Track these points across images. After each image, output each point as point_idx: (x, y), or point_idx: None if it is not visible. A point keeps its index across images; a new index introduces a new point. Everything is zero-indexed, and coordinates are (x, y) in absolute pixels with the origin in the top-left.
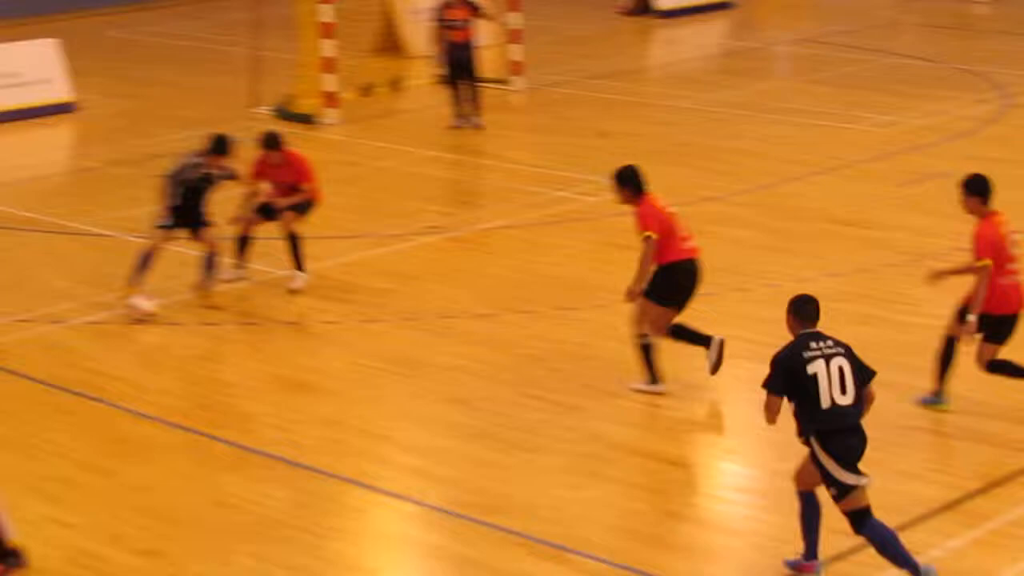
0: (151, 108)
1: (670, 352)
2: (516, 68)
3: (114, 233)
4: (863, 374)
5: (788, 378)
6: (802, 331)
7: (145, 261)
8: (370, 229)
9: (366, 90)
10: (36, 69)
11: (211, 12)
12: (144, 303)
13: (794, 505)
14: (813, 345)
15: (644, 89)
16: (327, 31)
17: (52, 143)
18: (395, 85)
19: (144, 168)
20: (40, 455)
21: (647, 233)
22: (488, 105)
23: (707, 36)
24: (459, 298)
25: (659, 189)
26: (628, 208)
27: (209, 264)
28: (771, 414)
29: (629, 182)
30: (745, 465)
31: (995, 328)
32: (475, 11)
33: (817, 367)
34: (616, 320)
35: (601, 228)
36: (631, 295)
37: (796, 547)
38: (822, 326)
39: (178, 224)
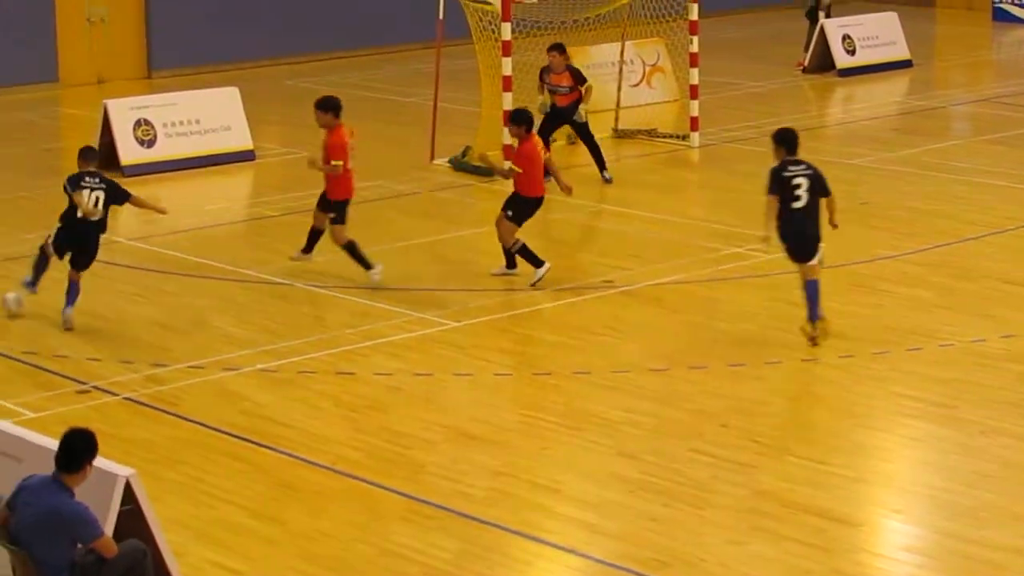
0: None
1: (837, 410)
2: (693, 124)
3: (289, 281)
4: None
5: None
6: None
7: None
8: (543, 283)
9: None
10: (217, 117)
11: (388, 63)
12: None
13: (962, 564)
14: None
15: (821, 147)
16: (507, 84)
17: (231, 190)
18: (572, 139)
19: None
20: (209, 501)
21: (518, 169)
22: (664, 160)
23: (886, 95)
24: (632, 352)
25: (833, 246)
26: None
27: None
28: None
29: (525, 122)
30: (913, 524)
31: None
32: (579, 80)
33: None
34: (789, 378)
35: (775, 285)
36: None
37: None
38: (991, 383)
39: None
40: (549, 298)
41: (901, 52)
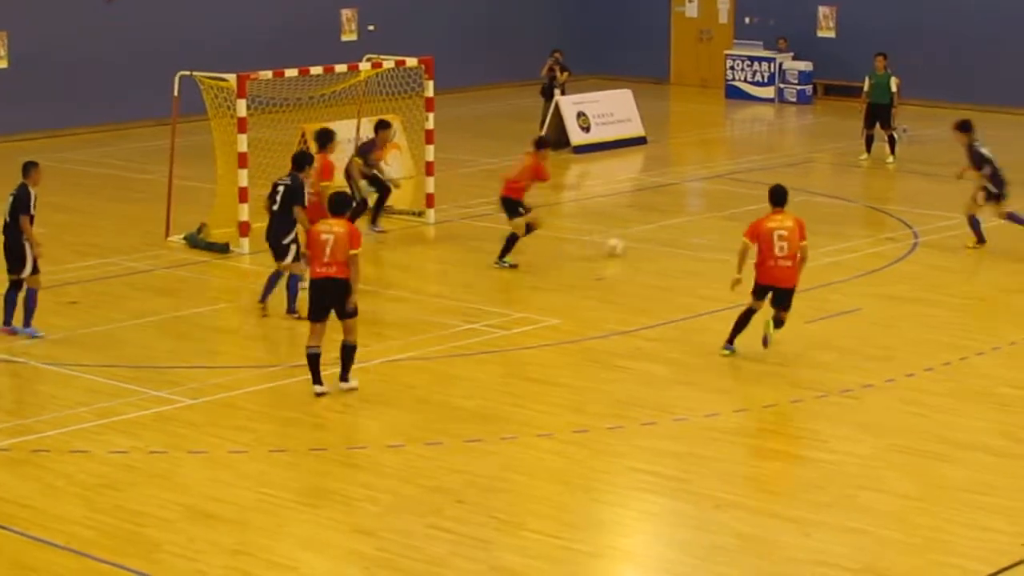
0: (59, 235)
1: (572, 485)
2: (429, 200)
3: (22, 359)
4: None
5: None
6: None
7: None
8: (279, 359)
9: None
10: None
11: (123, 140)
12: None
13: None
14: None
15: (557, 223)
16: (242, 161)
17: None
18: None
19: (53, 295)
20: None
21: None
22: (400, 237)
23: (621, 171)
24: (368, 429)
25: (572, 321)
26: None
27: None
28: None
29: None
30: None
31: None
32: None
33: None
34: (525, 453)
35: (510, 361)
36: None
37: None
38: (724, 456)
39: None
40: (286, 375)
41: (636, 129)
